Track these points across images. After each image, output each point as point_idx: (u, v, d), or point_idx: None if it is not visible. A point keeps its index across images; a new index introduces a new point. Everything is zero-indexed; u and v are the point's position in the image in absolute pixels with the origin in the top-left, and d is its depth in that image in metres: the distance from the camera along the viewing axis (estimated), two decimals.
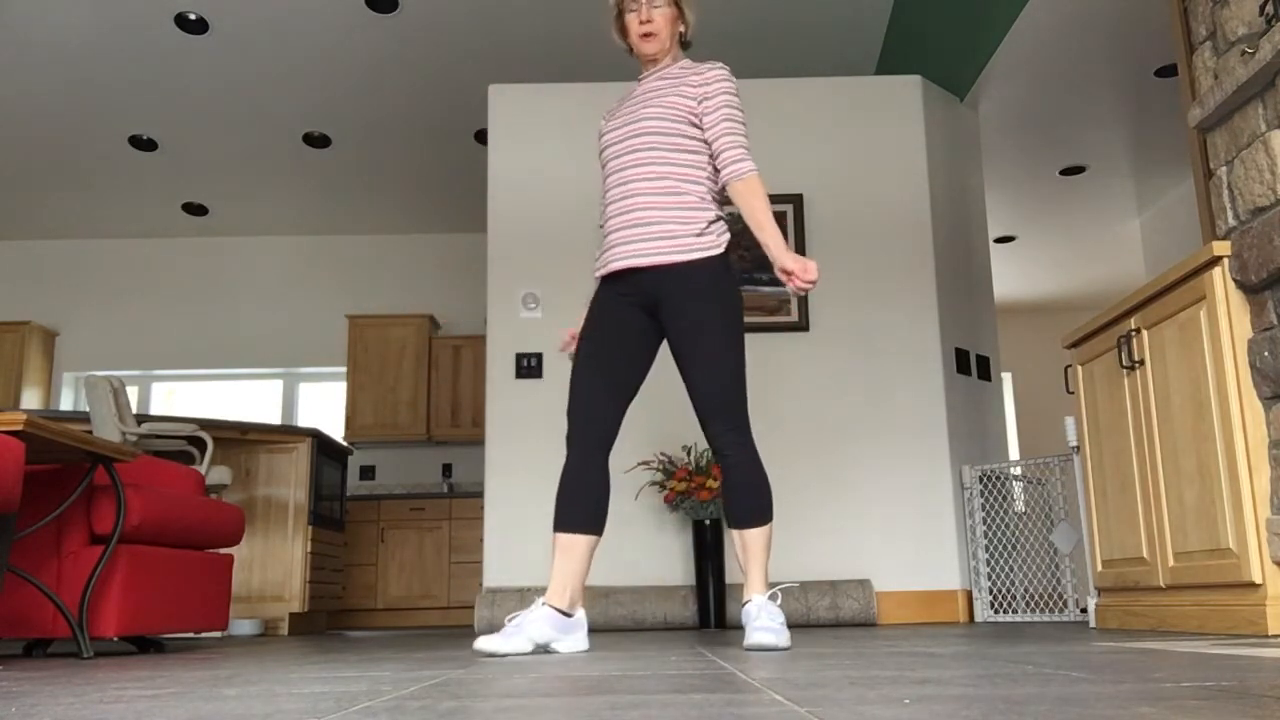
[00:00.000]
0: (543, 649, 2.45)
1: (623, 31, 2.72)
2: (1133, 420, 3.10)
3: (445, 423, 7.61)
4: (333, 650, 2.98)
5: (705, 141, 2.62)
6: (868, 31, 5.92)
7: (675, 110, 2.59)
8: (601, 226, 2.68)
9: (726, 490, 2.56)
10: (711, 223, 2.58)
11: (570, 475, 2.52)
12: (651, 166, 2.57)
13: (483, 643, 2.34)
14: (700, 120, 2.60)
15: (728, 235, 2.61)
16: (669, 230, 2.54)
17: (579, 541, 2.50)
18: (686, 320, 2.52)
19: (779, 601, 2.74)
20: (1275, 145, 2.45)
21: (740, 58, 6.14)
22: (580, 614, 2.53)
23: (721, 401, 2.51)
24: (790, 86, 5.08)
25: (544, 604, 2.44)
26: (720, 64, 2.64)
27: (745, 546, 2.55)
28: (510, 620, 2.42)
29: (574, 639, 2.50)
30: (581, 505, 2.50)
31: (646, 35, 2.64)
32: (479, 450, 7.83)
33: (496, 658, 2.29)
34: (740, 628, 4.16)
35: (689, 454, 4.54)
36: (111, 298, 8.13)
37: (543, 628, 2.41)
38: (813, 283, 2.49)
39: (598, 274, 2.66)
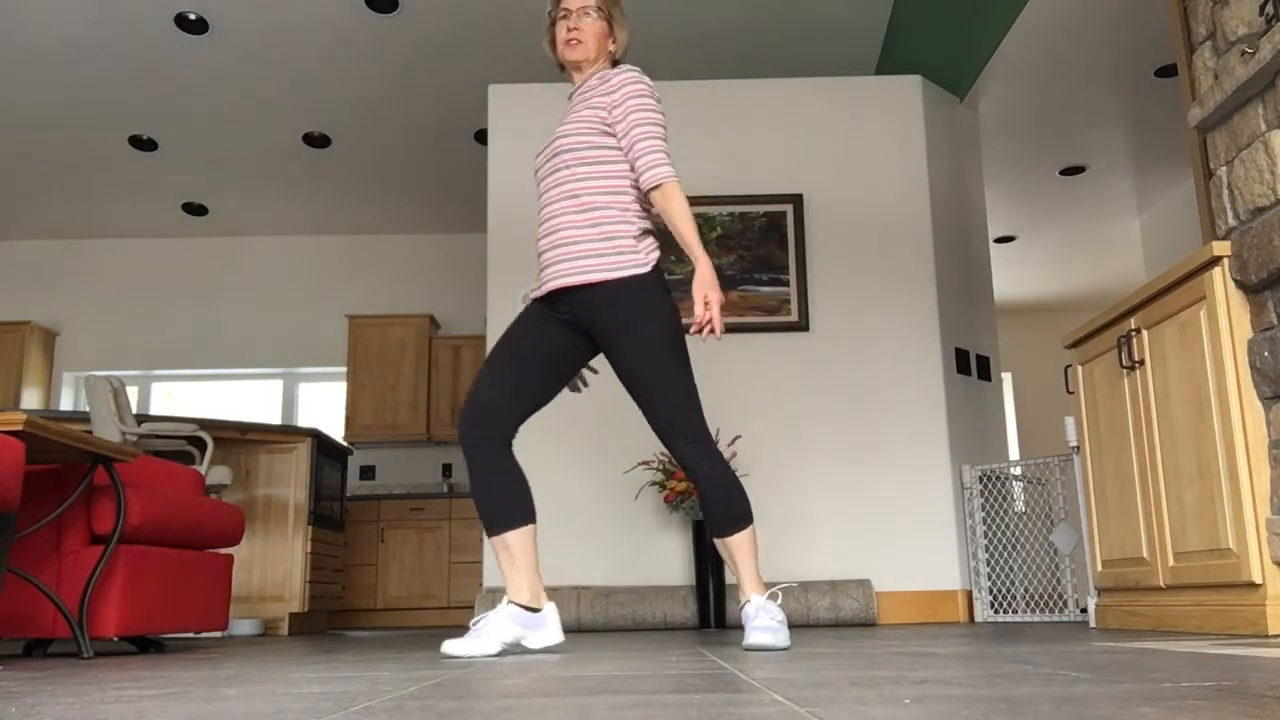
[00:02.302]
0: (513, 647, 2.45)
1: (553, 43, 2.70)
2: (1133, 420, 3.10)
3: (445, 423, 7.61)
4: (333, 650, 2.98)
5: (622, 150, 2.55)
6: (868, 31, 5.92)
7: (586, 123, 2.53)
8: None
9: (704, 503, 2.52)
10: (638, 238, 2.50)
11: (482, 479, 2.46)
12: (567, 185, 2.52)
13: (449, 646, 2.34)
14: (614, 128, 2.53)
15: (657, 253, 2.55)
16: (590, 249, 2.47)
17: (516, 536, 2.46)
18: (626, 345, 2.45)
19: (779, 601, 2.73)
20: (1275, 145, 2.45)
21: (740, 58, 6.14)
22: (549, 608, 2.50)
23: (678, 420, 2.46)
24: (790, 86, 5.08)
25: (508, 602, 2.44)
26: (631, 67, 2.57)
27: (732, 552, 2.53)
28: (474, 623, 2.41)
29: (545, 634, 2.47)
30: (504, 502, 2.45)
31: (571, 41, 2.61)
32: None
33: (463, 660, 2.28)
34: (740, 628, 4.17)
35: None
36: (111, 298, 8.13)
37: (509, 626, 2.41)
38: (713, 325, 2.44)
39: (531, 297, 2.64)
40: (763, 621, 2.43)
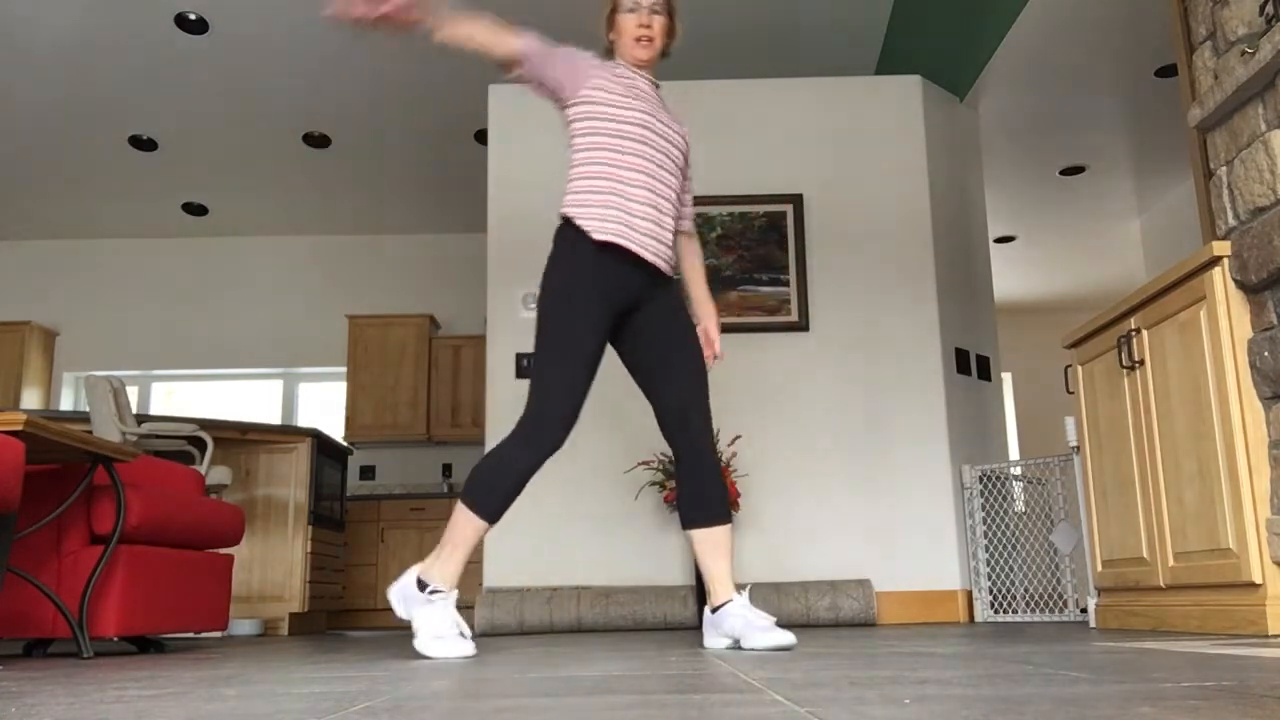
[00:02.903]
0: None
1: (611, 25, 2.68)
2: (1133, 420, 3.10)
3: (445, 423, 7.61)
4: (333, 650, 2.98)
5: None
6: (868, 31, 5.92)
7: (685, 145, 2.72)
8: (598, 186, 2.49)
9: (708, 487, 2.52)
10: None
11: (529, 474, 2.39)
12: (676, 181, 2.62)
13: (433, 650, 2.32)
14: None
15: None
16: (671, 244, 2.61)
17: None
18: (685, 328, 2.61)
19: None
20: (1275, 145, 2.45)
21: (740, 58, 6.14)
22: None
23: (708, 401, 2.61)
24: (790, 86, 5.08)
25: (451, 590, 2.38)
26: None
27: (720, 544, 2.52)
28: (455, 630, 2.37)
29: None
30: (514, 501, 2.47)
31: (644, 39, 2.60)
32: (479, 450, 7.84)
33: (456, 659, 2.28)
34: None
35: None
36: (111, 298, 8.13)
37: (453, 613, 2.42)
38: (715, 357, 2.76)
39: (610, 239, 2.43)
40: (765, 622, 2.42)
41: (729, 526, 2.55)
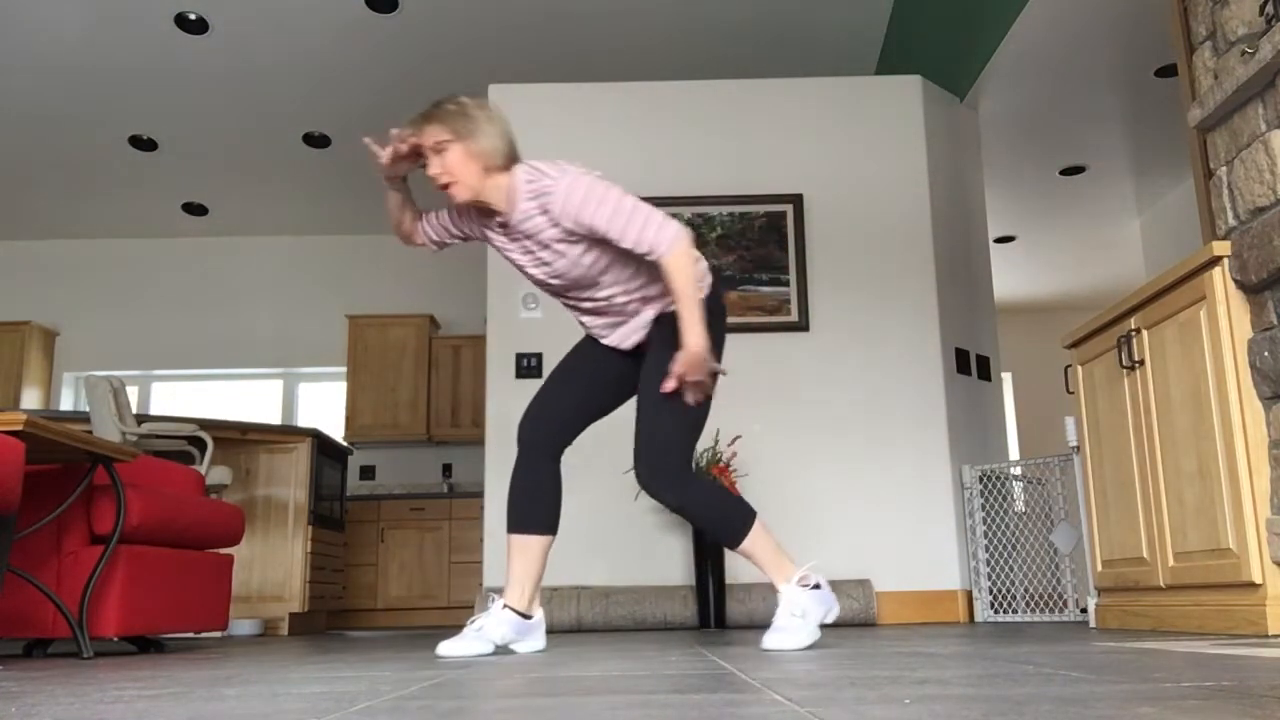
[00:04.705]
0: (502, 649, 2.49)
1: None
2: (1133, 420, 3.10)
3: (445, 423, 7.61)
4: (333, 650, 2.98)
5: None
6: (868, 31, 5.92)
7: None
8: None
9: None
10: None
11: (522, 476, 2.49)
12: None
13: (444, 648, 2.37)
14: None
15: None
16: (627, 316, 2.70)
17: (534, 542, 2.48)
18: (655, 358, 2.61)
19: (811, 583, 2.40)
20: (1275, 145, 2.45)
21: (741, 58, 6.14)
22: (539, 615, 2.53)
23: (648, 418, 2.46)
24: (790, 86, 5.08)
25: (505, 606, 2.45)
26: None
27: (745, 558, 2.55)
28: (471, 623, 2.43)
29: (532, 640, 2.52)
30: (537, 506, 2.47)
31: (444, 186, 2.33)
32: (479, 450, 7.84)
33: (460, 659, 2.29)
34: (746, 627, 4.17)
35: None
36: (111, 298, 8.13)
37: (503, 629, 2.42)
38: None
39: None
40: (781, 621, 2.37)
41: (745, 544, 2.41)
